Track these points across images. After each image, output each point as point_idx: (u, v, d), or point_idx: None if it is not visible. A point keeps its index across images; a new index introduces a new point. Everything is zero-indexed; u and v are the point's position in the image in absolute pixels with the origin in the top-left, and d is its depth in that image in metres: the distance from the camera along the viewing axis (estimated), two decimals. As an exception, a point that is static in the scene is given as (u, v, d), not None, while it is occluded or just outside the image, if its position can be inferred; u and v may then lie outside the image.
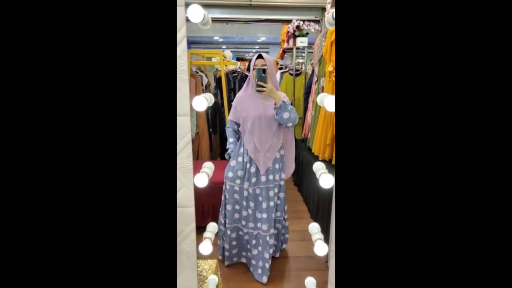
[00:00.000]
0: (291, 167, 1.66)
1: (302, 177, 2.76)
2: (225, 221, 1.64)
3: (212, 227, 0.95)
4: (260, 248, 1.57)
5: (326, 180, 0.77)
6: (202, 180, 0.79)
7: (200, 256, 1.03)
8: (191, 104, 0.72)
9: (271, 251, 1.60)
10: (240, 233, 1.63)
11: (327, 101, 0.67)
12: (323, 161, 2.39)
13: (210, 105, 0.79)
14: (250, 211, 1.56)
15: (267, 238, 1.55)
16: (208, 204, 2.12)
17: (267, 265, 1.57)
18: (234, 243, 1.64)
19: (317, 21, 3.56)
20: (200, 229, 0.95)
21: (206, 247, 0.88)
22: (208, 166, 0.83)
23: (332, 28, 2.14)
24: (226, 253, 1.66)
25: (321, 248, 0.86)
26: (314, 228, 0.90)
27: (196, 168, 0.79)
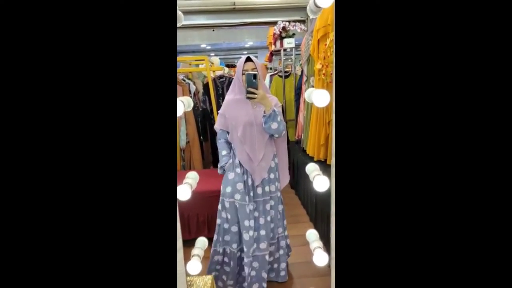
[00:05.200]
0: (285, 177, 1.53)
1: (298, 179, 2.71)
2: (223, 249, 1.46)
3: (201, 243, 0.87)
4: (257, 269, 1.42)
5: (320, 182, 0.70)
6: (184, 192, 0.72)
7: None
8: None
9: (268, 267, 1.47)
10: (240, 267, 1.44)
11: (315, 96, 0.61)
12: (318, 161, 2.33)
13: (189, 109, 0.73)
14: (251, 233, 1.38)
15: (266, 257, 1.43)
16: (203, 215, 2.05)
17: (264, 285, 1.44)
18: (230, 277, 1.45)
19: (302, 21, 3.53)
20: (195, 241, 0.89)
21: (194, 266, 0.80)
22: (192, 177, 0.75)
23: (318, 26, 2.11)
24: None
25: (321, 257, 0.79)
26: (312, 235, 0.83)
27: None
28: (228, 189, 1.38)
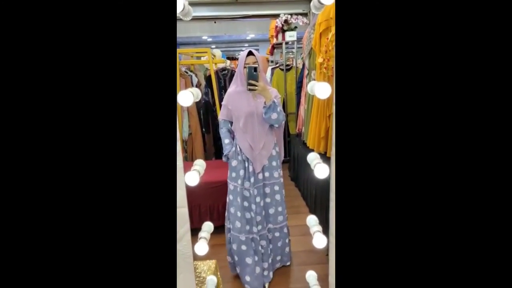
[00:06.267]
0: (282, 152, 1.62)
1: (298, 172, 2.76)
2: (229, 227, 1.55)
3: (207, 227, 0.92)
4: (264, 246, 1.52)
5: (321, 170, 0.75)
6: (193, 178, 0.76)
7: (198, 257, 1.00)
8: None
9: (271, 246, 1.56)
10: (243, 247, 1.49)
11: (317, 88, 0.65)
12: (318, 154, 2.37)
13: (197, 100, 0.76)
14: (252, 214, 1.48)
15: (265, 234, 1.53)
16: (205, 205, 2.10)
17: (265, 265, 1.53)
18: (236, 258, 1.53)
19: (304, 14, 3.54)
20: (198, 230, 0.93)
21: (201, 247, 0.85)
22: (199, 164, 0.79)
23: (320, 20, 2.12)
24: (231, 261, 1.58)
25: (320, 240, 0.84)
26: (312, 220, 0.88)
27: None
28: (233, 175, 1.49)
